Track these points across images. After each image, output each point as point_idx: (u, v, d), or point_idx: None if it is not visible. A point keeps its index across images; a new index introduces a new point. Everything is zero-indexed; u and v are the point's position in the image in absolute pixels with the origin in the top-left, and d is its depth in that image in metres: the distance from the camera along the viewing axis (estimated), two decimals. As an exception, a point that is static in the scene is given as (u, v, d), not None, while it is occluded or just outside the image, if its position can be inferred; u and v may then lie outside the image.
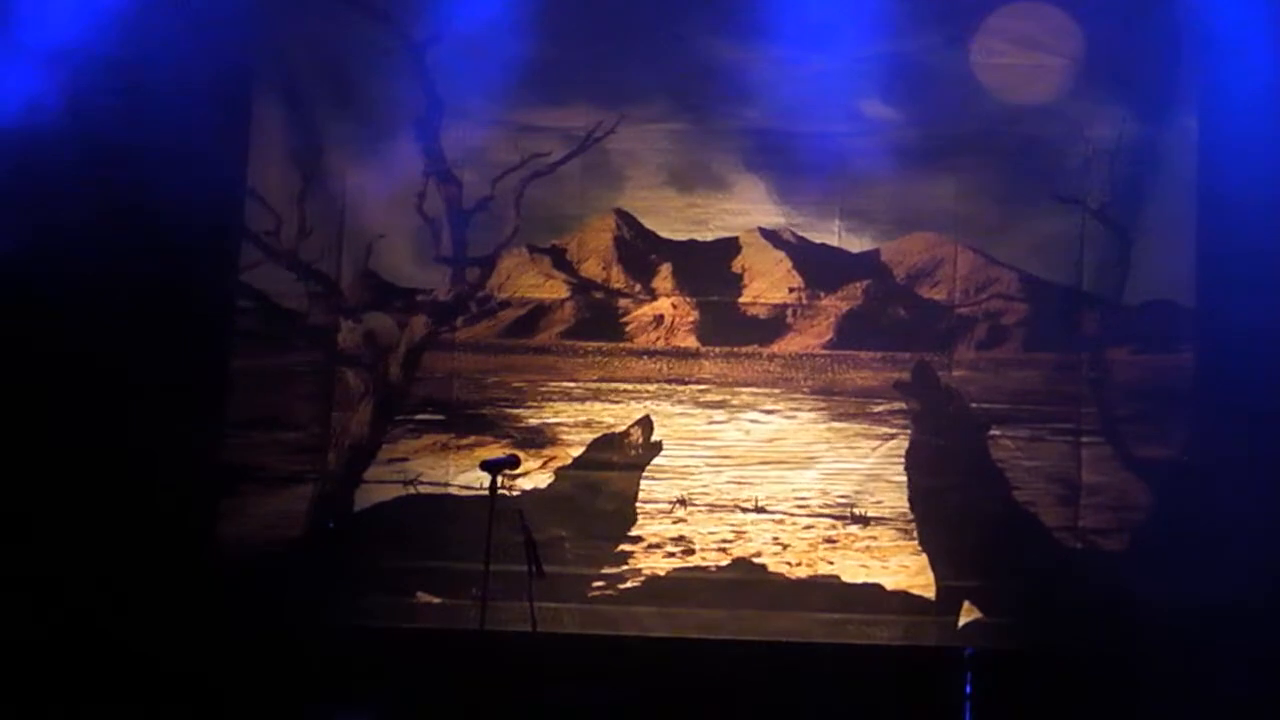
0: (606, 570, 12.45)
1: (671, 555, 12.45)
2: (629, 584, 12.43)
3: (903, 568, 12.35)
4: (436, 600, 12.30)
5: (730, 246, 12.74)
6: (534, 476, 12.44)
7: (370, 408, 12.58)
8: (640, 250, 12.77)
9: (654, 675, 11.87)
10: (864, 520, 12.40)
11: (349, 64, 12.51)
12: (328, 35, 12.57)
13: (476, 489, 11.87)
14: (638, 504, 12.54)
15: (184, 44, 11.80)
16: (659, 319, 12.69)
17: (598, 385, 12.64)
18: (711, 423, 12.59)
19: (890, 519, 12.40)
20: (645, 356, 12.65)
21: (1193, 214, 12.27)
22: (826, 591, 12.34)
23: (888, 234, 12.64)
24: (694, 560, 12.44)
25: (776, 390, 12.57)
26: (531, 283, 12.75)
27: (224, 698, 11.60)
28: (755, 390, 12.58)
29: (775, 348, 12.61)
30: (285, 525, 12.45)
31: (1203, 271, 12.24)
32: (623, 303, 12.75)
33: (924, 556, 12.35)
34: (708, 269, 12.72)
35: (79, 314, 11.71)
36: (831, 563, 12.39)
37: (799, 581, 12.37)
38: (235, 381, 12.50)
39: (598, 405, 12.62)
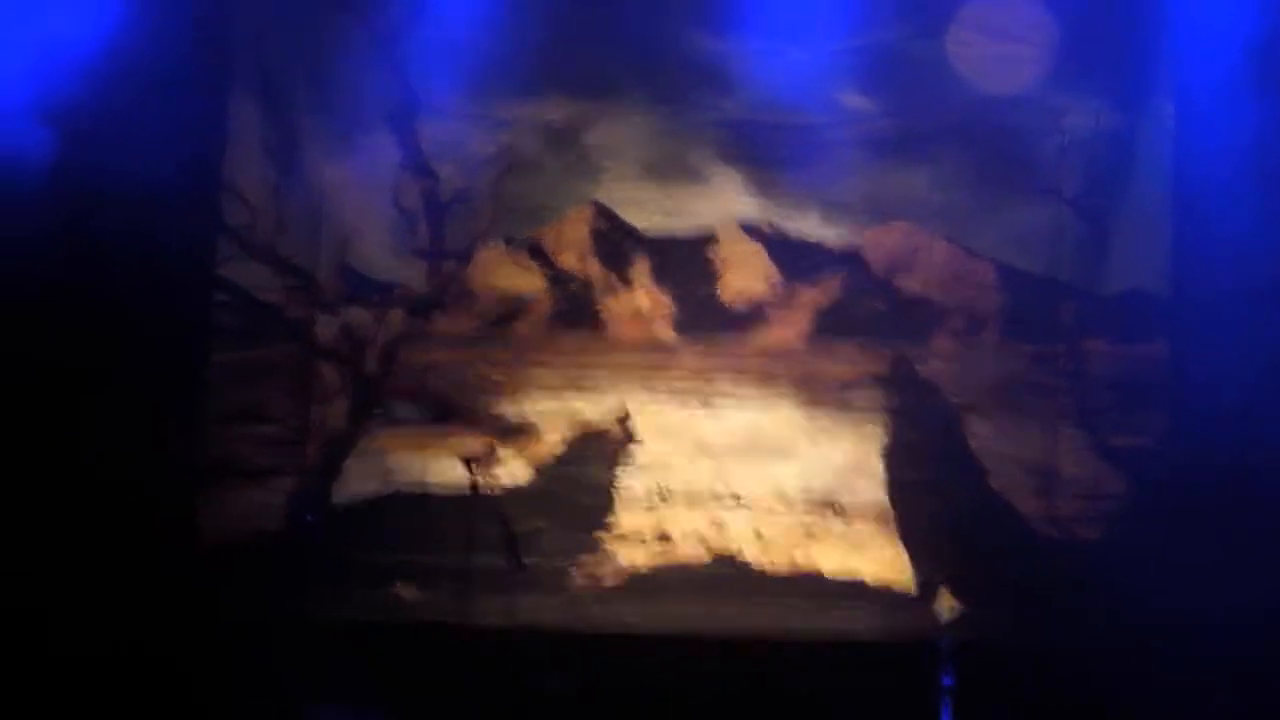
0: (585, 562, 12.44)
1: (650, 547, 12.46)
2: (607, 576, 12.44)
3: (881, 559, 12.38)
4: (415, 593, 12.30)
5: (707, 238, 12.78)
6: (512, 469, 12.44)
7: (348, 401, 12.59)
8: (617, 242, 12.79)
9: (632, 667, 11.87)
10: (842, 512, 12.42)
11: (326, 58, 12.52)
12: (305, 30, 12.59)
13: (454, 482, 11.90)
14: (616, 496, 12.53)
15: (161, 39, 11.77)
16: (636, 311, 12.70)
17: (575, 377, 12.63)
18: (689, 415, 12.60)
19: (868, 510, 12.42)
20: (622, 348, 12.66)
21: (1168, 204, 12.33)
22: (805, 583, 12.38)
23: (864, 225, 12.69)
24: (672, 552, 12.45)
25: (754, 382, 12.59)
26: (508, 275, 12.76)
27: (203, 690, 11.57)
28: (733, 382, 12.60)
29: (753, 339, 12.63)
30: (264, 518, 12.46)
31: (1178, 261, 12.28)
32: (600, 295, 12.75)
33: (902, 548, 12.38)
34: (685, 261, 12.75)
35: (56, 309, 11.68)
36: (810, 554, 12.41)
37: (777, 574, 12.39)
38: (213, 375, 12.49)
39: (575, 397, 12.62)
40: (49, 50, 11.64)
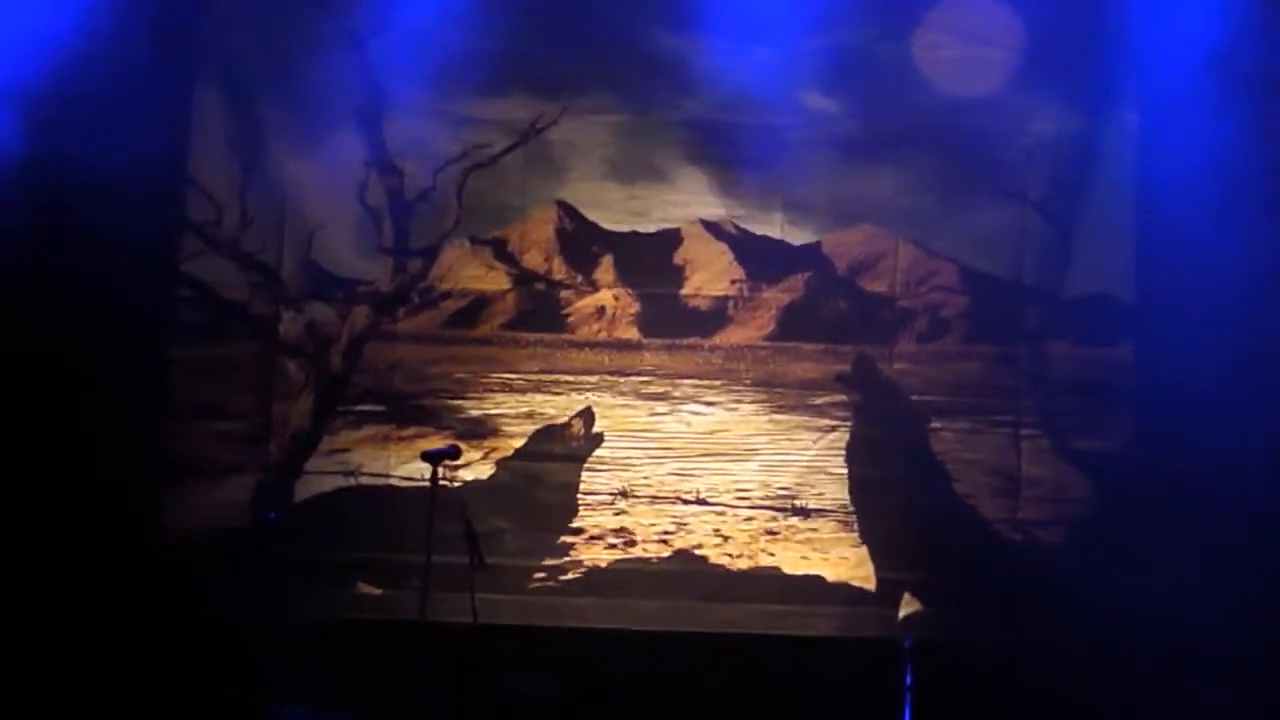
0: (548, 561, 12.46)
1: (613, 547, 12.47)
2: (570, 575, 12.45)
3: (843, 559, 12.40)
4: (377, 591, 12.31)
5: (672, 238, 12.78)
6: (475, 467, 12.45)
7: (311, 398, 12.56)
8: (582, 242, 12.79)
9: (595, 666, 11.89)
10: (805, 512, 12.44)
11: (291, 54, 12.43)
12: (270, 24, 12.54)
13: (418, 480, 11.94)
14: (579, 495, 12.57)
15: (125, 33, 11.74)
16: (601, 310, 12.71)
17: (539, 376, 12.65)
18: (653, 414, 12.61)
19: (831, 511, 12.44)
20: (587, 348, 12.68)
21: (1132, 208, 12.36)
22: (767, 583, 12.39)
23: (829, 226, 12.69)
24: (635, 552, 12.47)
25: (718, 382, 12.60)
26: (473, 274, 12.75)
27: (165, 688, 11.55)
28: (697, 382, 12.61)
29: (717, 339, 12.64)
30: (227, 516, 12.43)
31: (1142, 265, 12.32)
32: (564, 294, 12.77)
33: (864, 548, 12.41)
34: (649, 261, 12.75)
35: (19, 305, 11.66)
36: (772, 554, 12.44)
37: (740, 573, 12.42)
38: (176, 372, 12.46)
39: (539, 396, 12.64)
40: (11, 41, 11.62)
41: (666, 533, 12.48)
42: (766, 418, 12.55)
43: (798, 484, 12.48)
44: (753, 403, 12.57)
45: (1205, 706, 11.17)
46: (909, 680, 11.32)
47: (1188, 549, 11.52)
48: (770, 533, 12.46)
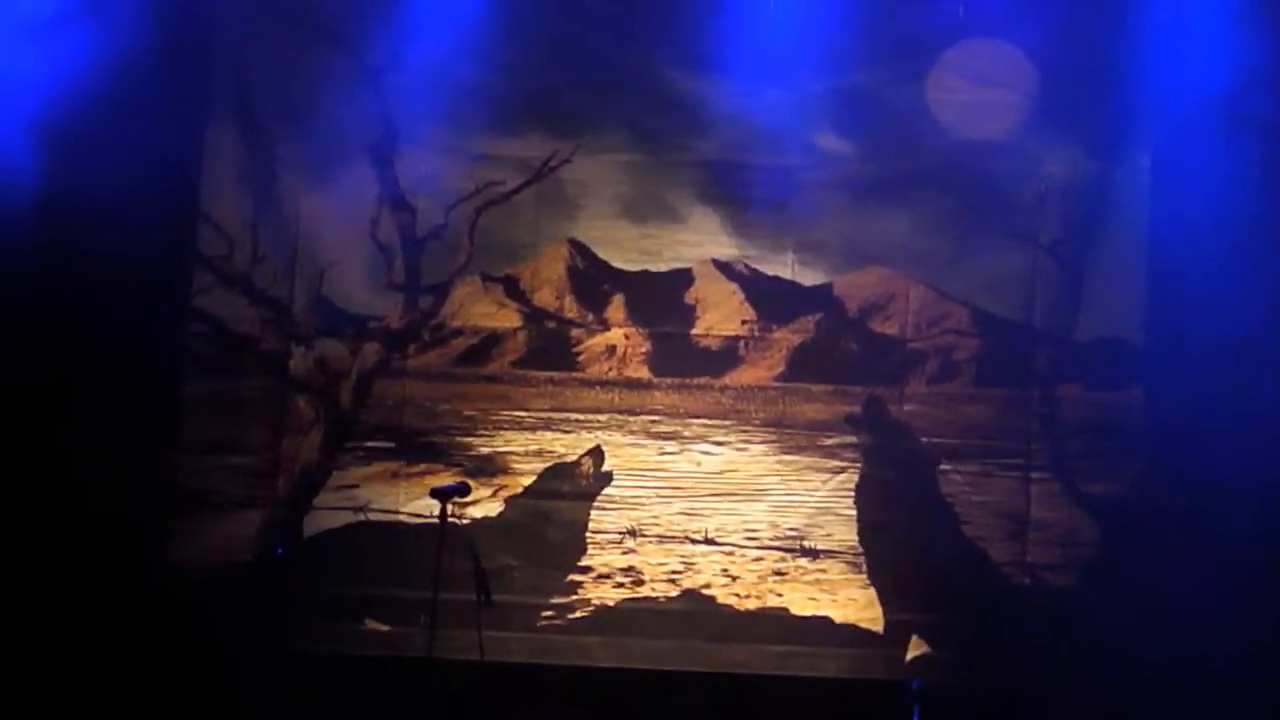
0: (555, 600, 12.44)
1: (621, 586, 12.46)
2: (578, 614, 12.43)
3: (851, 600, 12.37)
4: (385, 627, 12.29)
5: (683, 278, 12.76)
6: (484, 505, 12.43)
7: (321, 434, 12.55)
8: (593, 280, 12.79)
9: (602, 706, 11.86)
10: (813, 553, 12.42)
11: (305, 89, 12.44)
12: (284, 60, 12.56)
13: (426, 517, 11.87)
14: (587, 534, 12.55)
15: (139, 67, 11.76)
16: (611, 349, 12.71)
17: (549, 414, 12.64)
18: (662, 454, 12.60)
19: (839, 552, 12.42)
20: (597, 386, 12.67)
21: (1143, 251, 12.33)
22: (775, 623, 12.36)
23: (840, 268, 12.68)
24: (643, 591, 12.45)
25: (728, 422, 12.59)
26: (484, 311, 12.75)
27: (171, 722, 11.57)
28: (706, 422, 12.60)
29: (727, 379, 12.63)
30: (235, 550, 12.42)
31: (1152, 310, 12.29)
32: (575, 333, 12.77)
33: (872, 590, 12.38)
34: (660, 300, 12.74)
35: (31, 338, 11.68)
36: (780, 595, 12.41)
37: (748, 613, 12.38)
38: (187, 406, 12.46)
39: (549, 434, 12.63)
40: (25, 76, 11.65)
41: (675, 572, 12.46)
42: (776, 458, 12.53)
43: (807, 525, 12.45)
44: (762, 443, 12.56)
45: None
46: (916, 723, 11.34)
47: (1198, 592, 11.47)
48: (778, 573, 12.43)
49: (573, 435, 12.64)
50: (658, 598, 12.44)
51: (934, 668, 12.15)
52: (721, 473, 12.56)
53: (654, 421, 12.62)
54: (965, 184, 12.46)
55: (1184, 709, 11.17)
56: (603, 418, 12.63)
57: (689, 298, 12.74)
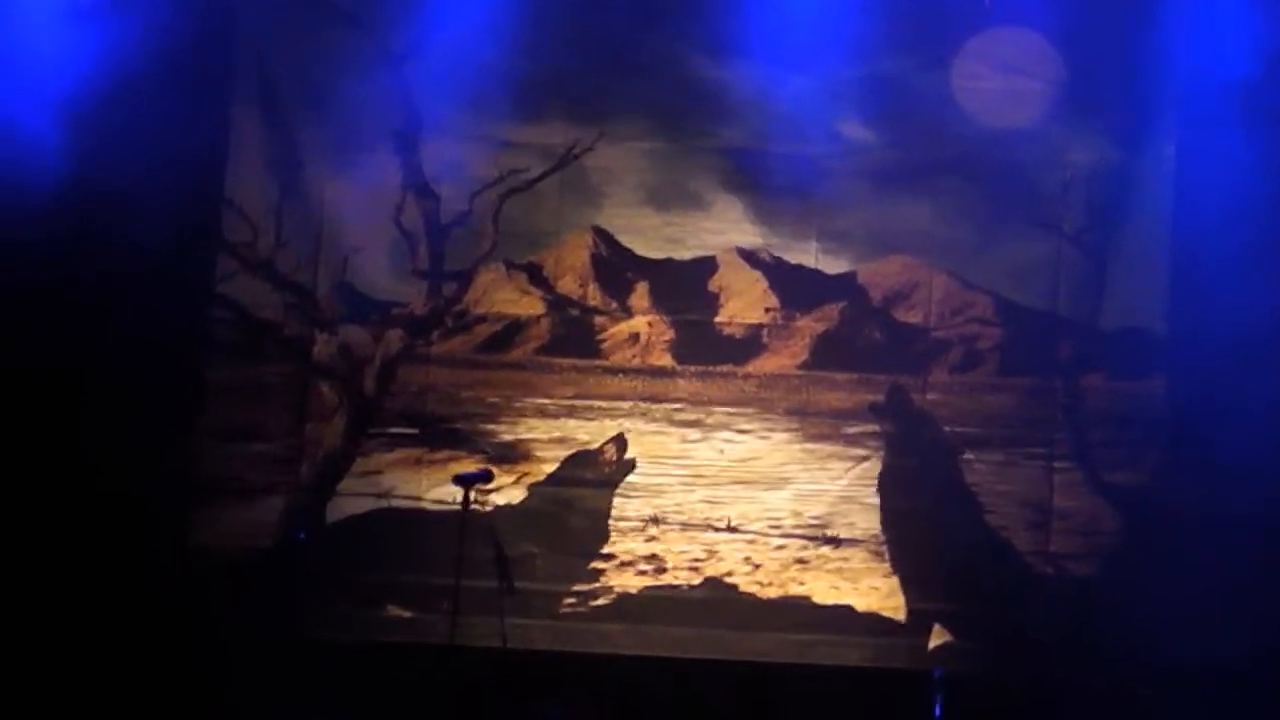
0: (578, 587, 12.45)
1: (643, 573, 12.46)
2: (600, 601, 12.44)
3: (873, 589, 12.36)
4: (407, 614, 12.30)
5: (707, 265, 12.76)
6: (507, 492, 12.44)
7: (344, 420, 12.56)
8: (617, 268, 12.79)
9: (623, 693, 11.86)
10: (836, 541, 12.42)
11: (329, 76, 12.44)
12: (308, 47, 12.56)
13: (449, 504, 11.89)
14: (610, 521, 12.55)
15: (164, 54, 11.77)
16: (635, 337, 12.70)
17: (572, 402, 12.64)
18: (685, 441, 12.60)
19: (862, 541, 12.41)
20: (620, 374, 12.67)
21: (1167, 241, 12.30)
22: (797, 612, 12.36)
23: (864, 256, 12.66)
24: (665, 579, 12.45)
25: (751, 410, 12.58)
26: (507, 298, 12.75)
27: (191, 707, 11.55)
28: (729, 410, 12.60)
29: (750, 367, 12.63)
30: (257, 536, 12.43)
31: (1176, 299, 12.27)
32: (599, 320, 12.76)
33: (895, 579, 12.37)
34: (684, 288, 12.74)
35: (55, 323, 11.69)
36: (803, 583, 12.41)
37: (770, 601, 12.38)
38: (210, 392, 12.48)
39: (572, 422, 12.62)
40: (49, 63, 11.66)
41: (697, 560, 12.46)
42: (799, 446, 12.53)
43: (829, 513, 12.45)
44: (785, 431, 12.55)
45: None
46: (938, 712, 11.32)
47: (1220, 582, 11.46)
48: (801, 562, 12.43)
49: (596, 423, 12.64)
50: (680, 585, 12.44)
51: (956, 657, 12.14)
52: (744, 461, 12.56)
53: (677, 409, 12.62)
54: (989, 172, 12.43)
55: (1206, 698, 11.15)
56: (626, 405, 12.63)
57: (713, 285, 12.73)
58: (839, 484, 12.47)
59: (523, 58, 12.37)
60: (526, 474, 12.56)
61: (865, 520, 12.44)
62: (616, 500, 12.56)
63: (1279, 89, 11.90)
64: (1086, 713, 11.49)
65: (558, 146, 12.60)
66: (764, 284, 12.68)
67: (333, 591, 12.30)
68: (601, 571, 12.48)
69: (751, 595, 12.41)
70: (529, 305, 12.75)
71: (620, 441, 12.60)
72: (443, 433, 12.61)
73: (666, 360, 12.66)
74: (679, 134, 12.61)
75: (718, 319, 12.68)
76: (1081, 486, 12.41)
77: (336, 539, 12.48)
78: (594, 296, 12.78)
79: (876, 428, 12.51)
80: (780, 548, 12.44)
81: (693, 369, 12.64)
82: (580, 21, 12.56)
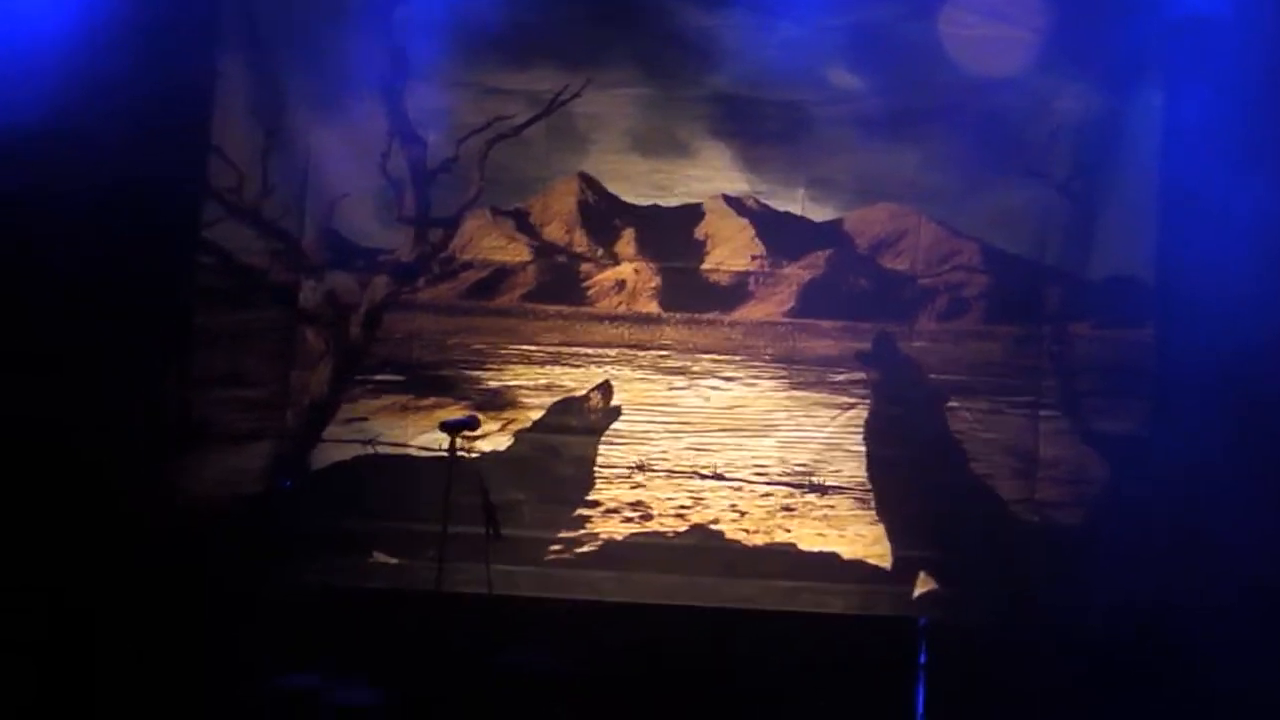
0: (563, 534, 12.47)
1: (629, 520, 12.47)
2: (586, 548, 12.45)
3: (859, 537, 12.38)
4: (393, 561, 12.32)
5: (694, 213, 12.74)
6: (493, 439, 12.44)
7: (330, 367, 12.55)
8: (604, 215, 12.77)
9: (609, 639, 11.86)
10: (821, 489, 12.43)
11: (315, 21, 12.41)
12: (296, -8, 12.55)
13: (435, 450, 11.91)
14: (596, 468, 12.57)
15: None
16: (621, 284, 12.69)
17: (558, 349, 12.64)
18: (671, 389, 12.60)
19: (848, 488, 12.43)
20: (606, 321, 12.66)
21: (1155, 189, 12.29)
22: (783, 559, 12.38)
23: (851, 203, 12.65)
24: (651, 526, 12.47)
25: (737, 357, 12.58)
26: (494, 245, 12.73)
27: (175, 654, 11.55)
28: (716, 357, 12.59)
29: (736, 315, 12.62)
30: (242, 482, 12.43)
31: (1164, 248, 12.25)
32: (585, 267, 12.76)
33: (880, 526, 12.39)
34: (671, 235, 12.72)
35: (37, 269, 11.67)
36: (789, 530, 12.43)
37: (755, 549, 12.40)
38: (196, 338, 12.46)
39: (558, 369, 12.63)
40: (34, 9, 11.62)
41: (683, 507, 12.48)
42: (785, 394, 12.54)
43: (815, 461, 12.46)
44: (772, 379, 12.56)
45: (1218, 691, 11.16)
46: (923, 659, 11.36)
47: (1205, 532, 11.48)
48: (787, 509, 12.44)
49: (582, 370, 12.64)
50: (666, 533, 12.46)
51: (941, 604, 12.17)
52: (730, 408, 12.56)
53: (663, 357, 12.62)
54: (977, 120, 12.37)
55: (1189, 644, 11.18)
56: (612, 352, 12.63)
57: (699, 233, 12.72)
58: (825, 431, 12.48)
59: (509, 4, 12.31)
60: (513, 421, 12.56)
61: (851, 468, 12.45)
62: (602, 447, 12.57)
63: (1272, 35, 11.87)
64: (1070, 659, 11.52)
65: (545, 93, 12.56)
66: (751, 231, 12.67)
67: (318, 538, 12.29)
68: (587, 518, 12.49)
69: (737, 542, 12.42)
70: (515, 252, 12.73)
71: (606, 388, 12.60)
72: (429, 379, 12.61)
73: (653, 307, 12.65)
74: (667, 81, 12.57)
75: (704, 266, 12.67)
76: (1068, 435, 12.42)
77: (322, 485, 12.49)
78: (580, 243, 12.76)
79: (863, 375, 12.51)
80: (766, 495, 12.46)
81: (679, 316, 12.63)
82: (567, -34, 12.55)
